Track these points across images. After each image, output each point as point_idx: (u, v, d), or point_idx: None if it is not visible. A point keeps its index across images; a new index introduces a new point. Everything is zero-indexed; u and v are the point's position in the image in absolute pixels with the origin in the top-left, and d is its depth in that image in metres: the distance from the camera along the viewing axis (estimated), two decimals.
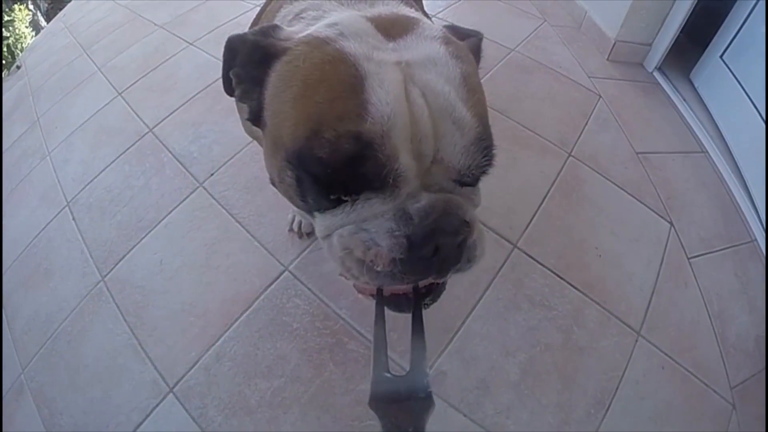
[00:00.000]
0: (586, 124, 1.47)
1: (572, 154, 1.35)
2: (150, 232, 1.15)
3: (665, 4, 1.67)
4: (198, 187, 1.22)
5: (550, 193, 1.23)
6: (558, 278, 1.06)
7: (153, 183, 1.26)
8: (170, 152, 1.33)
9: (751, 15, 1.48)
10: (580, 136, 1.41)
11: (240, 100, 0.44)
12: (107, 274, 1.10)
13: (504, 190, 1.19)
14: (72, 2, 2.88)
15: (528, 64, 1.67)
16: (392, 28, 0.40)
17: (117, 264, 1.11)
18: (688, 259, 1.20)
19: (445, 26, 0.46)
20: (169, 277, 1.06)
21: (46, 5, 5.93)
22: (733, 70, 1.58)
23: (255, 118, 0.43)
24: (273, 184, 0.46)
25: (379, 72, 0.35)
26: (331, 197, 0.38)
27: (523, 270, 1.05)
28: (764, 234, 1.29)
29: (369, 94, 0.34)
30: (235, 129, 1.29)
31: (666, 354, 1.03)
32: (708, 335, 1.09)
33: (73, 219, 1.24)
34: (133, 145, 1.38)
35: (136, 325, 1.01)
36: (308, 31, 0.40)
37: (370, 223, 0.38)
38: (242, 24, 1.80)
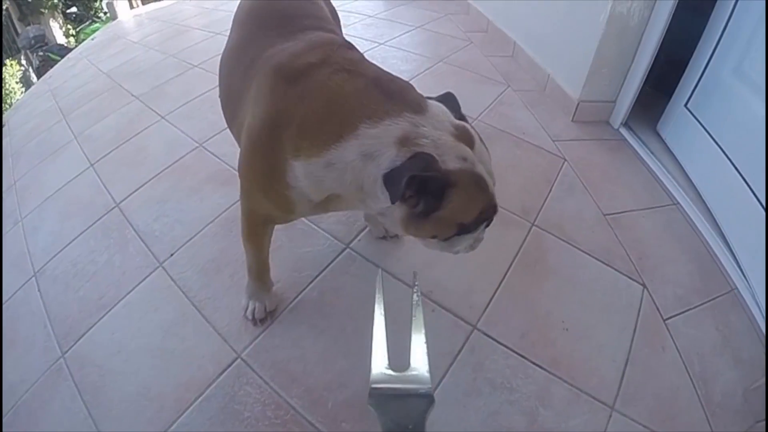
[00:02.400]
0: (550, 190, 1.69)
1: (535, 223, 1.55)
2: (110, 310, 1.29)
3: (625, 61, 1.96)
4: (158, 267, 1.39)
5: (513, 267, 1.41)
6: (521, 358, 1.21)
7: (116, 260, 1.44)
8: (134, 229, 1.53)
9: (711, 61, 1.74)
10: (543, 204, 1.63)
11: (410, 205, 0.76)
12: (67, 351, 1.22)
13: (463, 269, 1.37)
14: (59, 64, 3.39)
15: (490, 132, 1.94)
16: (465, 136, 0.79)
17: (77, 341, 1.24)
18: (664, 320, 1.35)
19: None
20: (125, 358, 1.18)
21: (38, 62, 6.60)
22: (698, 117, 1.82)
23: (426, 214, 0.75)
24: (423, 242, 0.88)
25: (483, 172, 0.76)
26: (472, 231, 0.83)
27: (484, 352, 1.20)
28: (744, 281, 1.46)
29: (489, 185, 0.77)
30: (198, 209, 1.57)
31: (644, 426, 1.13)
32: (690, 399, 1.19)
33: (39, 290, 1.41)
34: (100, 219, 1.60)
35: (92, 404, 1.10)
36: (453, 166, 0.73)
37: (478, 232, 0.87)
38: (212, 98, 2.11)
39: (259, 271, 1.20)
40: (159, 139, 1.95)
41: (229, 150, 1.80)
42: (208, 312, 1.26)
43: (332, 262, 1.40)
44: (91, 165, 1.88)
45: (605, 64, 1.96)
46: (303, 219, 1.47)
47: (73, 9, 8.27)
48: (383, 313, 0.50)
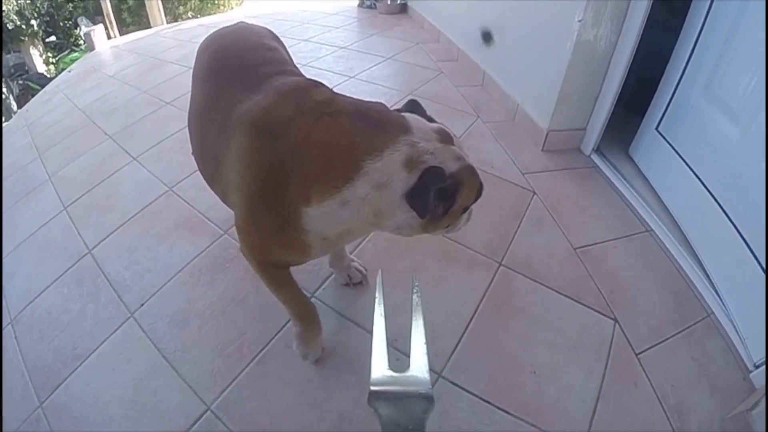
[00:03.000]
0: (519, 226, 1.75)
1: (503, 263, 1.61)
2: (84, 361, 1.34)
3: (594, 87, 2.04)
4: (129, 318, 1.45)
5: (479, 310, 1.46)
6: (487, 404, 1.24)
7: (89, 309, 1.49)
8: (106, 277, 1.59)
9: (681, 82, 1.81)
10: (512, 242, 1.69)
11: (433, 211, 0.84)
12: (45, 401, 1.27)
13: (429, 315, 1.41)
14: (36, 97, 3.61)
15: None
16: (446, 137, 0.89)
17: (54, 391, 1.28)
18: (637, 355, 1.38)
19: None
20: (100, 410, 1.23)
21: (18, 90, 6.80)
22: (670, 140, 1.89)
23: (444, 213, 0.87)
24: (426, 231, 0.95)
25: (471, 164, 0.88)
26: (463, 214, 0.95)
27: (449, 400, 1.24)
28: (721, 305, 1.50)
29: (476, 173, 0.88)
30: (166, 257, 1.63)
31: None
32: None
33: (15, 338, 1.46)
34: (73, 265, 1.66)
35: None
36: (454, 168, 0.84)
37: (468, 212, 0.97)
38: (181, 139, 2.22)
39: (305, 314, 1.24)
40: (130, 182, 2.04)
41: (198, 195, 1.90)
42: (178, 364, 1.31)
43: None
44: (65, 208, 1.96)
45: (573, 92, 2.04)
46: None
47: (53, 38, 8.54)
48: (383, 314, 0.52)
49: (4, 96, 7.68)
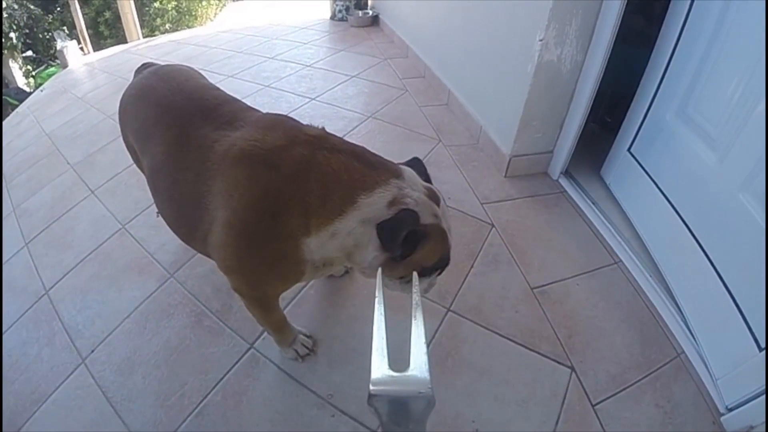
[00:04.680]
0: (472, 266, 1.79)
1: (452, 308, 1.64)
2: (41, 406, 1.46)
3: (561, 109, 2.08)
4: (81, 364, 1.55)
5: None
6: None
7: (45, 353, 1.61)
8: (60, 321, 1.71)
9: (653, 103, 1.85)
10: (463, 284, 1.72)
11: (392, 252, 0.97)
12: None
13: (365, 370, 1.46)
14: (7, 120, 3.83)
15: None
16: (433, 196, 1.02)
17: None
18: (593, 406, 1.40)
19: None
20: None
21: None
22: (642, 163, 1.93)
23: (402, 258, 0.98)
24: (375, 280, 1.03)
25: (445, 229, 1.01)
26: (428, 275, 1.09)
27: None
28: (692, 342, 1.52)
29: (449, 238, 1.03)
30: (115, 301, 1.75)
31: None
32: None
33: None
34: (31, 306, 1.79)
35: None
36: (428, 221, 0.97)
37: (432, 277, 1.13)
38: (136, 172, 2.28)
39: (283, 328, 1.45)
40: (87, 217, 2.20)
41: (147, 234, 2.04)
42: (124, 414, 1.41)
43: (236, 363, 1.53)
44: (26, 245, 2.11)
45: (537, 116, 2.07)
46: (210, 314, 1.68)
47: (29, 53, 8.77)
48: (383, 313, 0.54)
49: None
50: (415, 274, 0.68)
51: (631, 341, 1.57)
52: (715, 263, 1.50)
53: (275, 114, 1.16)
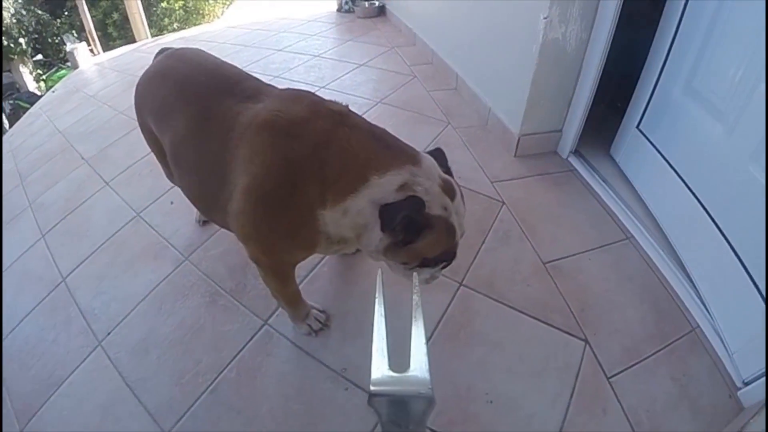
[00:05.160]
0: (483, 242, 1.75)
1: (464, 283, 1.61)
2: (57, 389, 1.47)
3: (567, 88, 2.04)
4: (97, 347, 1.56)
5: (434, 336, 1.46)
6: None
7: (61, 338, 1.62)
8: (77, 306, 1.72)
9: (660, 79, 1.81)
10: (474, 259, 1.69)
11: (393, 234, 0.97)
12: (24, 427, 1.40)
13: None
14: (20, 121, 3.89)
15: None
16: (449, 189, 1.01)
17: (32, 418, 1.42)
18: (608, 378, 1.37)
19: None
20: None
21: (9, 109, 7.17)
22: (651, 139, 1.89)
23: (404, 244, 0.99)
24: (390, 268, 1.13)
25: (456, 223, 1.00)
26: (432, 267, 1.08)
27: None
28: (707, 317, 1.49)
29: (456, 234, 1.01)
30: (131, 285, 1.76)
31: None
32: None
33: None
34: (48, 294, 1.80)
35: None
36: (435, 212, 0.97)
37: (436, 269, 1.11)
38: (150, 162, 2.36)
39: (297, 302, 1.44)
40: (102, 207, 2.22)
41: (162, 221, 2.04)
42: (140, 392, 1.42)
43: (250, 340, 1.52)
44: (43, 236, 2.12)
45: (544, 95, 2.04)
46: (225, 293, 1.67)
47: (39, 56, 8.86)
48: (383, 314, 0.54)
49: None
50: (415, 274, 0.65)
51: (645, 315, 1.53)
52: (727, 236, 1.46)
53: (297, 89, 1.15)
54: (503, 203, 1.91)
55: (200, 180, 1.22)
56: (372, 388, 0.46)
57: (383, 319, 0.53)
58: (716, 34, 1.53)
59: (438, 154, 1.12)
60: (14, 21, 8.05)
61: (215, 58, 1.39)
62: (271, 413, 1.32)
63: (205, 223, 1.90)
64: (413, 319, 0.53)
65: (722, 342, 1.42)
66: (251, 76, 1.27)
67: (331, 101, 1.09)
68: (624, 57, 1.94)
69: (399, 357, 0.50)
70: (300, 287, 1.47)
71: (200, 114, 1.17)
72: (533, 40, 1.90)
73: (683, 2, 1.64)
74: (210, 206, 1.24)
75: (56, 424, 1.39)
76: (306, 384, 1.39)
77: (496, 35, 2.24)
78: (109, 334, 1.60)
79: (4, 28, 7.97)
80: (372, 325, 0.52)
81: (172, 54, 1.41)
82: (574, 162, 2.11)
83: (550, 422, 1.27)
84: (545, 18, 1.81)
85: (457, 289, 1.59)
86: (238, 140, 1.05)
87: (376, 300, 0.56)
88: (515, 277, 1.63)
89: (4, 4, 7.70)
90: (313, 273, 1.70)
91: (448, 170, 1.10)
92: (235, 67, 1.32)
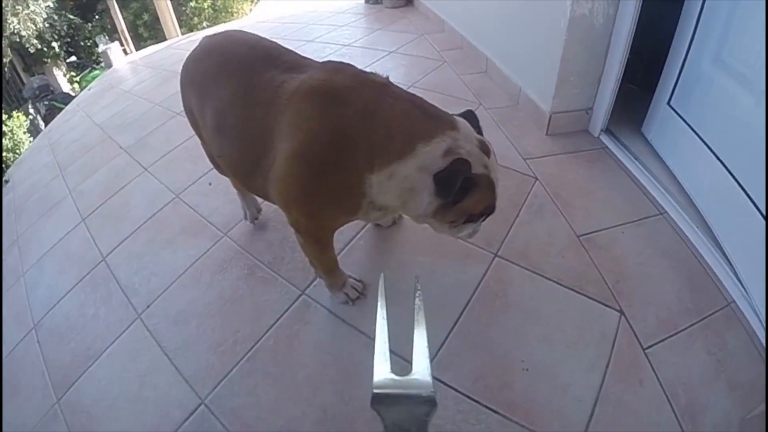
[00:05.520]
0: (518, 215, 1.74)
1: (498, 254, 1.60)
2: (96, 360, 1.53)
3: (597, 64, 2.01)
4: (136, 319, 1.61)
5: (470, 305, 1.46)
6: (473, 402, 1.24)
7: (101, 312, 1.68)
8: (117, 282, 1.78)
9: (689, 53, 1.78)
10: (509, 232, 1.68)
11: (447, 199, 1.02)
12: (61, 397, 1.46)
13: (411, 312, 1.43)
14: (58, 117, 4.02)
15: None
16: (485, 148, 1.06)
17: (69, 389, 1.48)
18: (644, 350, 1.35)
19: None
20: (109, 405, 1.41)
21: (44, 111, 7.41)
22: (683, 115, 1.85)
23: (453, 204, 1.04)
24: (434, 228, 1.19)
25: (495, 178, 1.07)
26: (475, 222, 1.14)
27: None
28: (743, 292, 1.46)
29: (495, 190, 1.08)
30: (171, 260, 1.81)
31: None
32: None
33: (38, 342, 1.66)
34: (89, 273, 1.87)
35: None
36: (478, 171, 1.02)
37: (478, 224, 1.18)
38: (189, 147, 2.47)
39: (335, 270, 1.45)
40: (141, 191, 2.27)
41: (201, 200, 2.08)
42: (178, 361, 1.45)
43: (288, 309, 1.54)
44: (83, 220, 2.19)
45: (574, 72, 2.01)
46: (263, 266, 1.70)
47: (73, 58, 9.06)
48: (385, 317, 0.54)
49: (32, 117, 8.17)
50: (416, 275, 0.66)
51: (680, 288, 1.51)
52: (762, 210, 1.42)
53: (338, 61, 1.16)
54: (536, 179, 1.89)
55: (243, 146, 1.22)
56: (374, 390, 0.47)
57: (385, 323, 0.53)
58: (743, 3, 1.50)
59: (469, 116, 1.16)
60: (47, 26, 8.23)
61: (256, 35, 1.40)
62: (308, 379, 1.34)
63: (255, 220, 1.88)
64: (415, 323, 0.53)
65: (758, 318, 1.39)
66: (290, 50, 1.29)
67: (372, 73, 1.11)
68: (652, 35, 1.90)
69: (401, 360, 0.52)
70: (338, 258, 1.48)
71: (244, 83, 1.18)
72: (561, 16, 1.87)
73: None
74: (251, 172, 1.24)
75: (94, 394, 1.44)
76: (343, 351, 1.40)
77: (525, 14, 2.22)
78: (148, 306, 1.65)
79: (37, 33, 8.12)
80: (374, 327, 0.53)
81: (214, 35, 1.42)
82: (606, 140, 2.08)
83: (586, 391, 1.26)
84: None
85: (492, 260, 1.59)
86: (283, 107, 1.07)
87: (378, 304, 0.56)
88: (549, 250, 1.62)
89: (35, 10, 7.82)
90: (351, 245, 1.71)
91: (479, 130, 1.14)
92: (275, 42, 1.34)
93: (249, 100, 1.16)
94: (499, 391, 1.27)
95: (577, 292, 1.49)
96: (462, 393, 1.27)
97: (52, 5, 8.46)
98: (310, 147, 1.04)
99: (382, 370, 0.49)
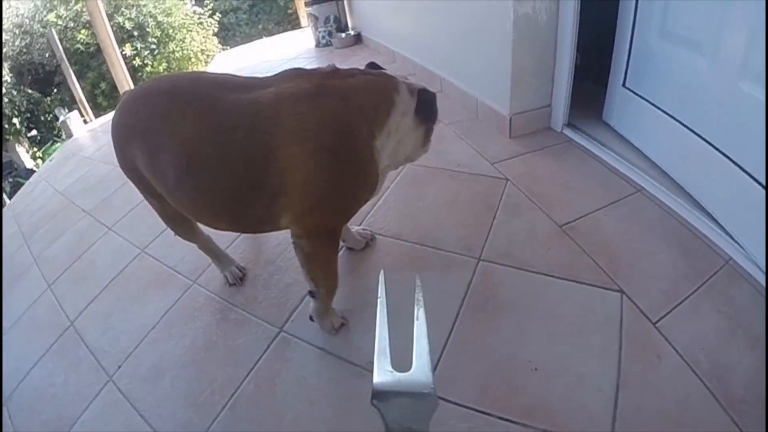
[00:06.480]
0: (495, 216, 1.66)
1: (482, 257, 1.51)
2: (69, 431, 1.38)
3: (548, 61, 2.01)
4: (108, 381, 1.48)
5: (461, 313, 1.34)
6: (485, 415, 1.11)
7: (71, 379, 1.54)
8: (86, 346, 1.64)
9: (635, 33, 1.78)
10: (489, 234, 1.59)
11: (436, 117, 1.26)
12: None
13: (406, 330, 1.32)
14: (21, 190, 3.86)
15: (420, 174, 1.95)
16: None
17: None
18: (654, 324, 1.25)
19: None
20: None
21: (9, 188, 7.22)
22: (640, 93, 1.84)
23: (430, 128, 1.27)
24: None
25: None
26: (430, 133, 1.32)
27: (440, 419, 1.10)
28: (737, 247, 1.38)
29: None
30: (140, 316, 1.70)
31: None
32: (706, 404, 1.08)
33: (9, 417, 1.51)
34: (56, 340, 1.72)
35: None
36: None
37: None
38: (148, 207, 2.28)
39: (336, 284, 1.35)
40: (106, 250, 2.17)
41: (167, 252, 1.97)
42: (154, 420, 1.32)
43: (266, 349, 1.42)
44: (49, 286, 2.06)
45: (526, 71, 2.01)
46: (236, 308, 1.59)
47: (33, 132, 8.98)
48: (386, 313, 0.52)
49: None
50: (417, 276, 0.59)
51: (675, 257, 1.43)
52: (736, 161, 1.39)
53: (290, 68, 1.20)
54: (507, 180, 1.83)
55: (229, 176, 1.11)
56: (374, 388, 0.45)
57: (386, 319, 0.51)
58: None
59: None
60: (6, 101, 8.20)
61: (188, 71, 1.37)
62: (296, 421, 1.21)
63: (241, 278, 1.72)
64: (415, 319, 0.51)
65: (758, 267, 1.33)
66: (233, 74, 1.23)
67: (320, 67, 1.17)
68: (596, 30, 1.93)
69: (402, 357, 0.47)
70: None
71: (207, 113, 1.09)
72: (506, 19, 1.88)
73: None
74: (244, 203, 1.14)
75: None
76: (330, 384, 1.28)
77: (470, 25, 2.23)
78: (119, 367, 1.51)
79: None
80: (374, 323, 0.50)
81: (145, 82, 1.32)
82: (570, 133, 2.05)
83: (605, 378, 1.15)
84: None
85: (476, 264, 1.49)
86: (272, 120, 1.05)
87: (379, 300, 0.53)
88: (533, 245, 1.53)
89: None
90: None
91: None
92: (211, 72, 1.29)
93: (221, 127, 1.07)
94: (510, 397, 1.14)
95: (572, 281, 1.39)
96: (470, 408, 1.14)
97: (9, 80, 8.43)
98: (327, 138, 1.06)
99: (381, 367, 0.47)
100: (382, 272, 0.60)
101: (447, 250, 1.54)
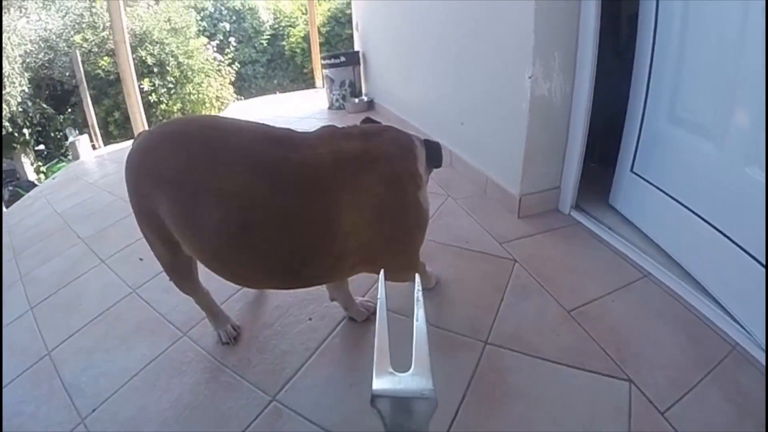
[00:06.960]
0: (502, 298, 1.68)
1: (488, 341, 1.51)
2: None
3: (559, 142, 2.08)
4: (79, 424, 1.39)
5: (466, 399, 1.33)
6: None
7: (41, 412, 1.46)
8: (61, 380, 1.57)
9: (645, 118, 1.85)
10: (496, 316, 1.60)
11: (441, 161, 1.45)
12: None
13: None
14: (19, 201, 3.86)
15: (428, 249, 1.97)
16: None
17: None
18: (662, 414, 1.23)
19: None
20: None
21: (8, 195, 7.18)
22: (647, 178, 1.88)
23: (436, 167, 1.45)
24: None
25: None
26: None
27: None
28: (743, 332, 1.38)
29: None
30: (124, 360, 1.62)
31: None
32: None
33: None
34: (31, 366, 1.66)
35: None
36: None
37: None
38: (145, 246, 2.28)
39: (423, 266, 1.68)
40: (96, 283, 2.11)
41: (160, 297, 1.91)
42: None
43: (256, 418, 1.35)
44: (31, 308, 2.01)
45: (538, 151, 2.07)
46: (227, 369, 1.53)
47: (42, 146, 9.08)
48: (385, 314, 0.53)
49: None
50: (417, 276, 0.62)
51: (682, 344, 1.43)
52: (743, 246, 1.41)
53: (326, 126, 1.29)
54: (515, 261, 1.86)
55: (295, 236, 1.11)
56: (374, 389, 0.45)
57: (385, 320, 0.52)
58: (686, 59, 1.60)
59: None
60: (20, 110, 8.33)
61: (208, 116, 1.45)
62: None
63: (235, 338, 1.65)
64: (415, 320, 0.52)
65: (765, 353, 1.33)
66: (259, 122, 1.22)
67: (348, 126, 1.31)
68: (604, 113, 2.00)
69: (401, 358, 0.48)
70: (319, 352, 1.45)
71: (258, 171, 1.07)
72: (522, 99, 1.96)
73: (651, 41, 1.74)
74: (306, 262, 1.16)
75: None
76: None
77: (485, 102, 2.32)
78: (94, 410, 1.44)
79: (10, 115, 8.15)
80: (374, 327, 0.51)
81: (164, 126, 1.24)
82: (577, 216, 2.09)
83: None
84: (530, 77, 1.89)
85: (483, 348, 1.49)
86: (333, 183, 1.12)
87: (378, 301, 0.55)
88: (542, 329, 1.53)
89: (11, 92, 7.99)
90: (326, 343, 1.59)
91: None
92: (241, 119, 1.23)
93: (283, 186, 1.07)
94: None
95: (580, 369, 1.38)
96: None
97: (27, 90, 8.53)
98: (387, 202, 1.20)
99: (381, 368, 0.47)
100: (382, 272, 0.62)
101: (453, 331, 1.55)
